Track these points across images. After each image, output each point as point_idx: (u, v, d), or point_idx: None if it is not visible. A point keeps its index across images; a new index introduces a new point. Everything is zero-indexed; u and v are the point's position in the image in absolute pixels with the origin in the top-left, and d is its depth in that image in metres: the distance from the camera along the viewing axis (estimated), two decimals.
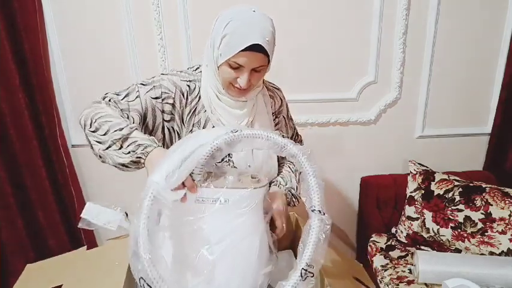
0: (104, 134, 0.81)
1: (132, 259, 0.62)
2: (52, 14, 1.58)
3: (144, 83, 0.93)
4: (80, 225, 0.87)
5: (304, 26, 1.66)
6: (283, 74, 1.45)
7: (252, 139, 0.69)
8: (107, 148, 0.80)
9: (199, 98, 0.95)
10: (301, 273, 0.64)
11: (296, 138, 1.20)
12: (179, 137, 0.97)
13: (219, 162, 0.85)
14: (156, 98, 0.91)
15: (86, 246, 0.90)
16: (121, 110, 0.89)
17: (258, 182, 0.75)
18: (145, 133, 0.88)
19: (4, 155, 1.61)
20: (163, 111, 0.93)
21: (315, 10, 1.65)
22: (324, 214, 0.67)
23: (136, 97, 0.90)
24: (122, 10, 1.58)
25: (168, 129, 0.96)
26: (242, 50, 0.82)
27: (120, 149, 0.79)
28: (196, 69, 0.99)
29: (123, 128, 0.80)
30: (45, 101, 1.59)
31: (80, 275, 0.79)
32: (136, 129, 0.82)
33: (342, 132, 1.85)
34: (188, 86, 0.95)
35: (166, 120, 0.94)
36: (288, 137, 1.05)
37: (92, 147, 0.85)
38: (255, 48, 0.83)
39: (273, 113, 1.06)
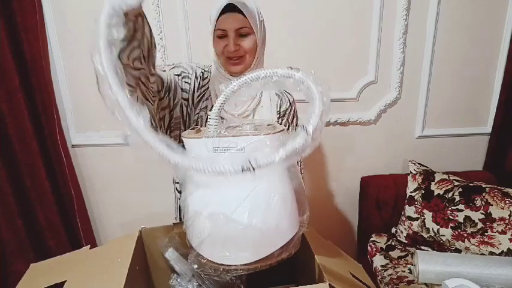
0: None
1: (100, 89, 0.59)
2: (52, 14, 1.58)
3: (166, 65, 1.02)
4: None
5: (304, 26, 1.66)
6: None
7: (258, 80, 0.70)
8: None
9: (208, 86, 1.04)
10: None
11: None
12: (189, 119, 1.03)
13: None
14: (178, 75, 1.00)
15: (89, 245, 0.90)
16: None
17: (273, 128, 0.74)
18: (164, 110, 0.98)
19: (4, 155, 1.60)
20: (182, 90, 1.01)
21: (315, 10, 1.64)
22: (310, 137, 0.62)
23: (163, 71, 0.98)
24: None
25: (186, 107, 1.02)
26: (220, 15, 0.92)
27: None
28: (209, 66, 1.08)
29: None
30: (45, 102, 1.59)
31: (83, 272, 0.80)
32: None
33: (342, 132, 1.85)
34: (202, 72, 1.04)
35: (184, 99, 1.01)
36: None
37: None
38: (230, 8, 0.92)
39: (277, 112, 1.08)
